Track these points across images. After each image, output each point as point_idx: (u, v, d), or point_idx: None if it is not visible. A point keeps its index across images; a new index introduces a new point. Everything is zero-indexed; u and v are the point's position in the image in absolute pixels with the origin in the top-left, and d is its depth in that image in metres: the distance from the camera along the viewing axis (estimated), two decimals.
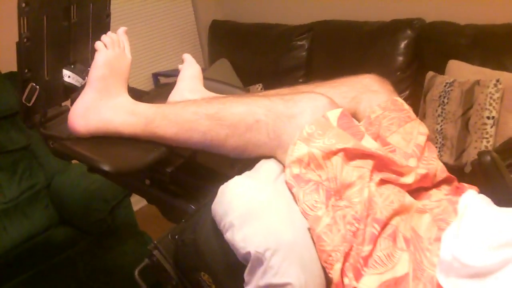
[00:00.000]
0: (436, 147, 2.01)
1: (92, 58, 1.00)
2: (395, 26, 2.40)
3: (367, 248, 0.73)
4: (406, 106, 1.00)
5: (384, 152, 0.81)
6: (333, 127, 0.80)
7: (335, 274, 0.72)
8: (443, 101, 2.02)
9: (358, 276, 0.72)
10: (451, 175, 0.95)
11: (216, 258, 0.77)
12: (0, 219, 1.97)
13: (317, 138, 0.79)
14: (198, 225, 0.80)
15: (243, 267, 0.73)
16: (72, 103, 1.02)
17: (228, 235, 0.74)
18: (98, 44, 0.99)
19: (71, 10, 1.02)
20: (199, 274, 0.80)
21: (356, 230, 0.74)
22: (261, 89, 2.80)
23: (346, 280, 0.72)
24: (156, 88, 2.95)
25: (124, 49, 1.03)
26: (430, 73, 2.14)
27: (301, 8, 2.88)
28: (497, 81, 1.86)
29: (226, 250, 0.74)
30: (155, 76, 3.03)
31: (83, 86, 1.02)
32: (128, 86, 1.03)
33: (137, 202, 2.43)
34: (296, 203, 0.77)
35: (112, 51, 0.99)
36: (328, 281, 0.74)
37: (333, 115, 0.82)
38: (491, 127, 1.87)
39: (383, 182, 0.81)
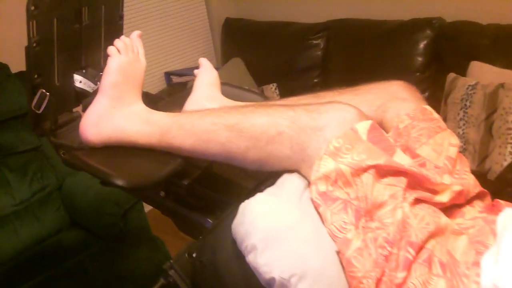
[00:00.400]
0: None
1: (105, 62, 0.96)
2: (414, 25, 2.33)
3: (401, 275, 0.67)
4: (435, 115, 0.95)
5: (418, 169, 0.76)
6: (362, 141, 0.74)
7: None
8: (465, 104, 1.95)
9: None
10: (484, 190, 0.90)
11: (237, 282, 0.73)
12: (11, 221, 1.94)
13: (345, 153, 0.73)
14: (217, 245, 0.75)
15: None
16: (83, 109, 0.98)
17: (250, 258, 0.69)
18: (111, 49, 0.94)
19: (82, 12, 0.97)
20: None
21: (388, 254, 0.68)
22: (275, 89, 2.75)
23: None
24: (169, 87, 2.91)
25: (138, 53, 0.98)
26: (452, 75, 2.08)
27: (317, 6, 2.82)
28: None
29: (248, 273, 0.69)
30: (167, 75, 2.99)
31: (95, 92, 0.98)
32: (142, 91, 0.99)
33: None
34: (323, 223, 0.72)
35: (125, 56, 0.95)
36: None
37: (363, 127, 0.76)
38: None
39: (417, 201, 0.75)
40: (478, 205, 0.87)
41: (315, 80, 2.72)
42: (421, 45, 2.28)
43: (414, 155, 0.85)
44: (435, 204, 0.78)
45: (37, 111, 0.91)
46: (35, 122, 0.94)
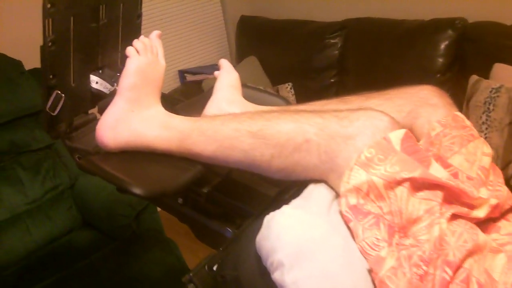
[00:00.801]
0: None
1: (122, 62, 0.92)
2: (435, 25, 2.27)
3: None
4: (467, 122, 0.90)
5: (455, 182, 0.71)
6: (396, 152, 0.70)
7: None
8: (488, 108, 1.89)
9: None
10: None
11: None
12: (23, 220, 1.93)
13: (378, 164, 0.69)
14: (240, 259, 0.71)
15: None
16: (99, 111, 0.94)
17: (276, 276, 0.64)
18: (129, 50, 0.90)
19: (100, 10, 0.93)
20: None
21: (424, 274, 0.64)
22: (291, 88, 2.70)
23: None
24: (183, 86, 2.88)
25: (158, 54, 0.95)
26: (474, 77, 2.01)
27: (334, 4, 2.76)
28: None
29: None
30: (181, 73, 2.95)
31: (111, 94, 0.94)
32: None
33: None
34: (354, 239, 0.67)
35: (144, 58, 0.91)
36: None
37: (396, 137, 0.71)
38: None
39: (453, 217, 0.70)
40: None
41: (332, 80, 2.67)
42: (442, 46, 2.22)
43: (446, 165, 0.80)
44: (471, 220, 0.73)
45: (52, 113, 0.87)
46: (49, 124, 0.90)
